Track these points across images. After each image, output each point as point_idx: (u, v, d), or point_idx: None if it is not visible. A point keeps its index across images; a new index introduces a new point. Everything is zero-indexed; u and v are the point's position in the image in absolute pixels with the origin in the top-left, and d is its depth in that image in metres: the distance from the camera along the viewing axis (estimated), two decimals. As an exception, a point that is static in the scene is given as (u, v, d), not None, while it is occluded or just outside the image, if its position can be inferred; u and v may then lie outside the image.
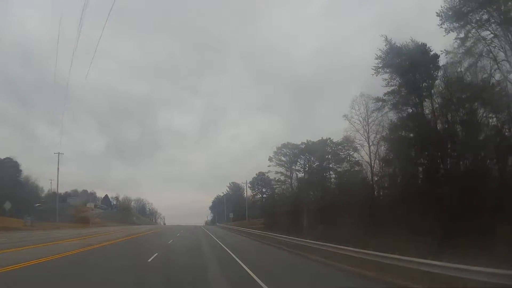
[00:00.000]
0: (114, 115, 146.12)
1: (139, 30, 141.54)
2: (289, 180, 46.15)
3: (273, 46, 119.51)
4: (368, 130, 34.01)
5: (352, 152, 41.74)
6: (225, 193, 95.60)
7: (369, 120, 34.35)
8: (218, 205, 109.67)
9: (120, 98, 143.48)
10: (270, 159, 47.63)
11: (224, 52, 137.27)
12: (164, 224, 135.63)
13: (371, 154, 34.26)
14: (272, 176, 49.08)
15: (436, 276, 8.51)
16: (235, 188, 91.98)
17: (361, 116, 34.55)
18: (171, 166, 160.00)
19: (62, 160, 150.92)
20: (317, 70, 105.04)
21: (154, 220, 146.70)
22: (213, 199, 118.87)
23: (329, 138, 42.68)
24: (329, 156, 42.47)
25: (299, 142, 46.67)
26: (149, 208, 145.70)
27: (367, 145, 33.78)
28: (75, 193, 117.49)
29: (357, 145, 34.73)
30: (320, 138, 44.00)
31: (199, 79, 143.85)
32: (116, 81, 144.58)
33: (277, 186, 48.27)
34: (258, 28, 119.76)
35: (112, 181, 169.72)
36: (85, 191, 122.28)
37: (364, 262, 11.61)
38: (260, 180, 56.57)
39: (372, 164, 33.03)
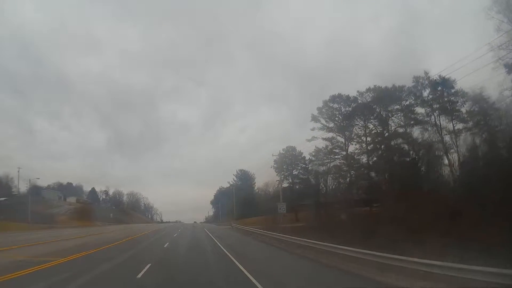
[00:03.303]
0: (115, 108, 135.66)
1: (142, 19, 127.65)
2: (344, 153, 28.61)
3: (282, 34, 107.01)
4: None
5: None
6: (231, 183, 78.21)
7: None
8: (221, 199, 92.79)
9: (120, 90, 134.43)
10: (314, 118, 30.08)
11: (230, 41, 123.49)
12: (161, 221, 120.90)
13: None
14: (319, 144, 31.34)
15: None
16: (244, 177, 74.76)
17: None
18: (171, 161, 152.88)
19: (61, 156, 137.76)
20: (327, 59, 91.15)
21: (150, 217, 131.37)
22: (215, 192, 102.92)
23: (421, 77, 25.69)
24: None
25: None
26: (144, 203, 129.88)
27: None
28: (60, 187, 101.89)
29: None
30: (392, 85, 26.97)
31: (204, 70, 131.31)
32: (117, 73, 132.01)
33: (327, 160, 30.54)
34: (266, 16, 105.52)
35: (110, 177, 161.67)
36: (69, 184, 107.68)
37: None
38: (290, 158, 37.99)
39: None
